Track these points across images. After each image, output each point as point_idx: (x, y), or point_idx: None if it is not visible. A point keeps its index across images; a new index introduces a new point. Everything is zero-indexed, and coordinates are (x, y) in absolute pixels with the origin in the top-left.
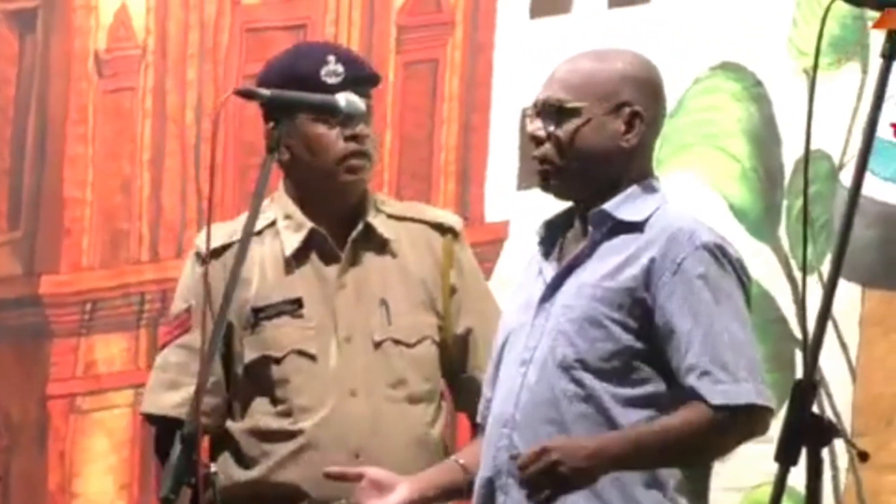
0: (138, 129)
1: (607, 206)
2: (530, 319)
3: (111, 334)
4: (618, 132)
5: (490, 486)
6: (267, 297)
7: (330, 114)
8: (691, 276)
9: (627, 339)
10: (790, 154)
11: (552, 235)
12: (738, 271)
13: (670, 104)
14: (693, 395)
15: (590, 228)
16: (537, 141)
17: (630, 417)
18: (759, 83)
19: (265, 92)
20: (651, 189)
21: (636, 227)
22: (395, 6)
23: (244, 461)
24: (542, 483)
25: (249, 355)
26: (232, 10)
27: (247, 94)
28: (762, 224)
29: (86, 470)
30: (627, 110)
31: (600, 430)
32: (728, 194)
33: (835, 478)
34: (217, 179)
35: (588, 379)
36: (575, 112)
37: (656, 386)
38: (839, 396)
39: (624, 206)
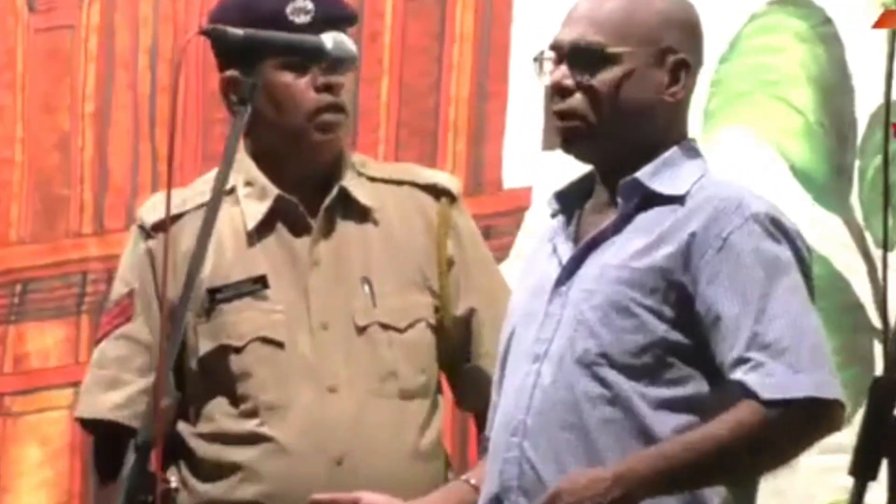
0: (80, 77)
1: (640, 174)
2: (543, 307)
3: (46, 322)
4: (661, 84)
5: (496, 495)
6: (225, 276)
7: (316, 58)
8: (740, 251)
9: (662, 329)
10: (865, 107)
11: (568, 208)
12: (797, 244)
13: (722, 45)
14: (743, 393)
15: (619, 200)
16: (564, 92)
17: (666, 423)
18: (828, 20)
19: (238, 32)
20: (693, 153)
21: (675, 200)
22: None
23: (203, 473)
24: None
25: (205, 346)
26: None
27: (215, 35)
28: (831, 190)
29: (16, 484)
30: (672, 58)
31: (629, 438)
32: (790, 153)
33: None
34: (177, 137)
35: (614, 377)
36: (615, 59)
37: (697, 386)
38: None
39: (661, 174)
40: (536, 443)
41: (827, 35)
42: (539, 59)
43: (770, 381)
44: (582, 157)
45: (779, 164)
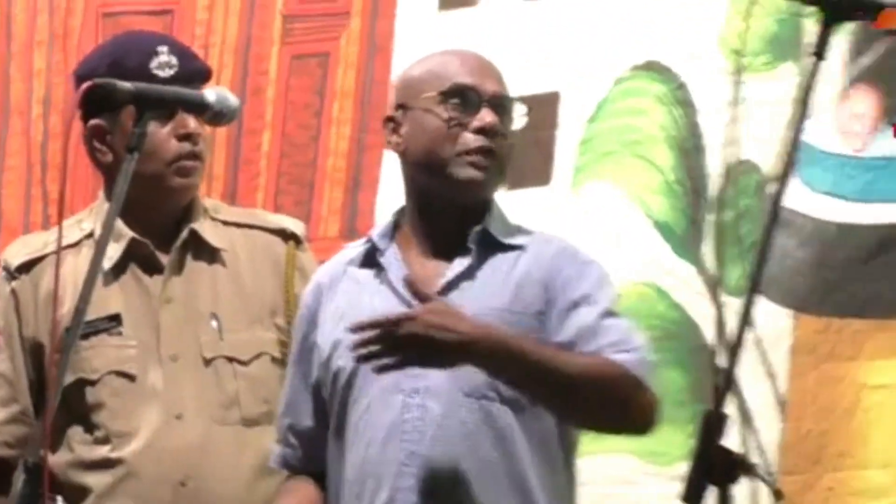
0: None
1: (488, 225)
2: None
3: None
4: None
5: None
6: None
7: (200, 111)
8: (584, 294)
9: None
10: (715, 164)
11: (387, 248)
12: (610, 282)
13: (591, 107)
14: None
15: (472, 247)
16: (493, 133)
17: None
18: (683, 85)
19: (128, 85)
20: (500, 210)
21: (517, 248)
22: None
23: (67, 496)
24: (410, 339)
25: (65, 380)
26: None
27: (105, 88)
28: (687, 242)
29: None
30: None
31: (510, 459)
32: (651, 208)
33: None
34: (67, 181)
35: (499, 411)
36: (511, 111)
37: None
38: (765, 432)
39: (499, 225)
40: (435, 472)
41: (682, 99)
42: (445, 99)
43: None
44: (483, 195)
45: (641, 217)
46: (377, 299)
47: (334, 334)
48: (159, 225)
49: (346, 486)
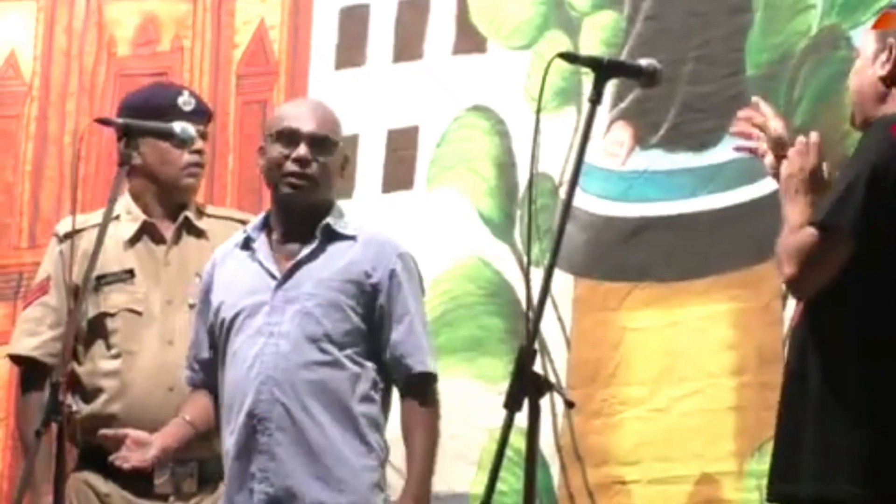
0: (21, 148)
1: (330, 221)
2: (268, 302)
3: None
4: (339, 167)
5: (251, 427)
6: (108, 268)
7: (168, 138)
8: (397, 280)
9: (357, 320)
10: (524, 175)
11: (257, 237)
12: (419, 272)
13: (436, 137)
14: (397, 365)
15: (318, 235)
16: (305, 162)
17: (353, 370)
18: (502, 121)
19: (119, 120)
20: (341, 212)
21: (349, 238)
22: (234, 59)
23: (85, 397)
24: None
25: (91, 312)
26: (108, 61)
27: (105, 122)
28: (503, 229)
29: None
30: (341, 152)
31: (336, 382)
32: (479, 206)
33: (554, 422)
34: (88, 187)
35: (331, 348)
36: (334, 146)
37: (371, 360)
38: (558, 360)
39: (338, 221)
40: (284, 390)
41: (502, 131)
42: (277, 138)
43: (417, 360)
44: (301, 203)
45: (472, 212)
46: (249, 272)
47: (220, 296)
48: (165, 212)
49: (226, 399)
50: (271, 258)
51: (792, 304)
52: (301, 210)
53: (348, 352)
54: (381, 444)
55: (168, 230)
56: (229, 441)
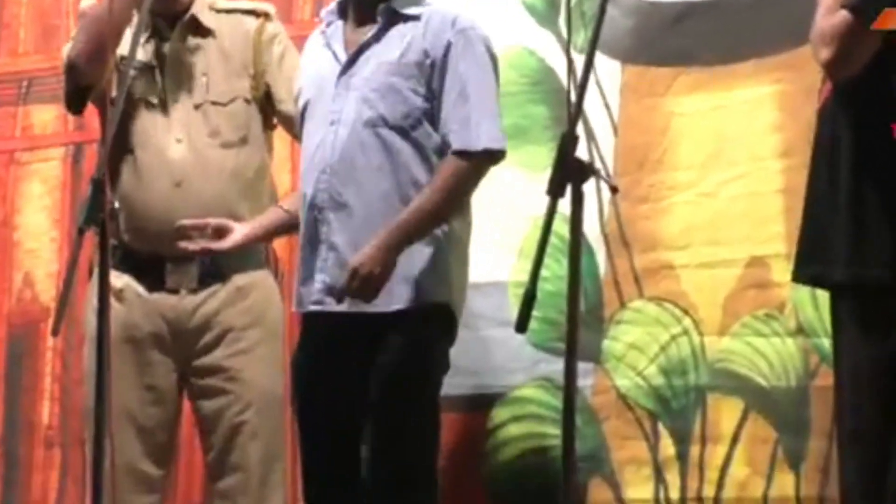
0: None
1: (394, 3)
2: (332, 88)
3: (45, 105)
4: None
5: (313, 218)
6: (131, 58)
7: None
8: (456, 55)
9: (419, 101)
10: None
11: (333, 20)
12: (490, 47)
13: None
14: (444, 142)
15: (378, 18)
16: None
17: (415, 159)
18: None
19: None
20: None
21: (414, 18)
22: None
23: (112, 183)
24: (366, 290)
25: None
26: None
27: None
28: (548, 16)
29: (25, 207)
30: None
31: (395, 167)
32: None
33: (600, 209)
34: None
35: (388, 134)
36: None
37: (434, 138)
38: (605, 146)
39: (402, 2)
40: (340, 178)
41: None
42: None
43: (461, 136)
44: None
45: (514, 0)
46: (322, 58)
47: (300, 82)
48: (171, 12)
49: (300, 188)
50: (342, 43)
51: None
52: None
53: (412, 136)
54: (443, 230)
55: (172, 29)
56: (300, 232)
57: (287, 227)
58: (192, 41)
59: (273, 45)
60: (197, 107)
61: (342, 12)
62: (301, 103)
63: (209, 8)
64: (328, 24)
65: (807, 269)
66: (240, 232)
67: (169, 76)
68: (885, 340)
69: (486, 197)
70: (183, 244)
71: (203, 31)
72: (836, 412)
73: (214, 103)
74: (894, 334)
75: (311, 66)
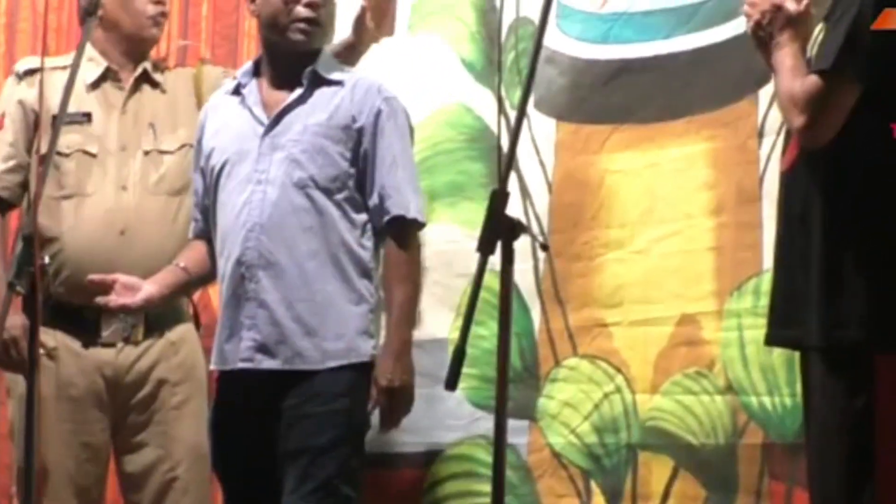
0: None
1: (317, 67)
2: (255, 148)
3: None
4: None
5: (240, 275)
6: (62, 112)
7: None
8: (381, 123)
9: (345, 165)
10: (505, 20)
11: (248, 81)
12: (408, 116)
13: None
14: (377, 208)
15: (304, 81)
16: (316, 6)
17: (343, 219)
18: None
19: None
20: (330, 57)
21: (337, 83)
22: None
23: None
24: (407, 403)
25: (45, 150)
26: None
27: None
28: (485, 74)
29: None
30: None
31: (324, 228)
32: (461, 51)
33: (535, 267)
34: (62, 37)
35: (317, 195)
36: None
37: (358, 198)
38: (539, 204)
39: (325, 66)
40: (270, 236)
41: None
42: None
43: (395, 202)
44: (311, 48)
45: (453, 58)
46: (238, 118)
47: (211, 143)
48: (127, 61)
49: (218, 247)
50: (260, 104)
51: (768, 142)
52: (297, 56)
53: (336, 197)
54: (370, 290)
55: (128, 79)
56: (221, 289)
57: (186, 286)
58: (145, 90)
59: (214, 89)
60: (146, 153)
61: (255, 73)
62: (216, 162)
63: (155, 66)
64: (244, 86)
65: (782, 333)
66: (146, 291)
67: (120, 123)
68: (853, 399)
69: (426, 254)
70: (101, 299)
71: (152, 83)
72: (808, 473)
73: (162, 151)
74: (864, 393)
75: (226, 127)
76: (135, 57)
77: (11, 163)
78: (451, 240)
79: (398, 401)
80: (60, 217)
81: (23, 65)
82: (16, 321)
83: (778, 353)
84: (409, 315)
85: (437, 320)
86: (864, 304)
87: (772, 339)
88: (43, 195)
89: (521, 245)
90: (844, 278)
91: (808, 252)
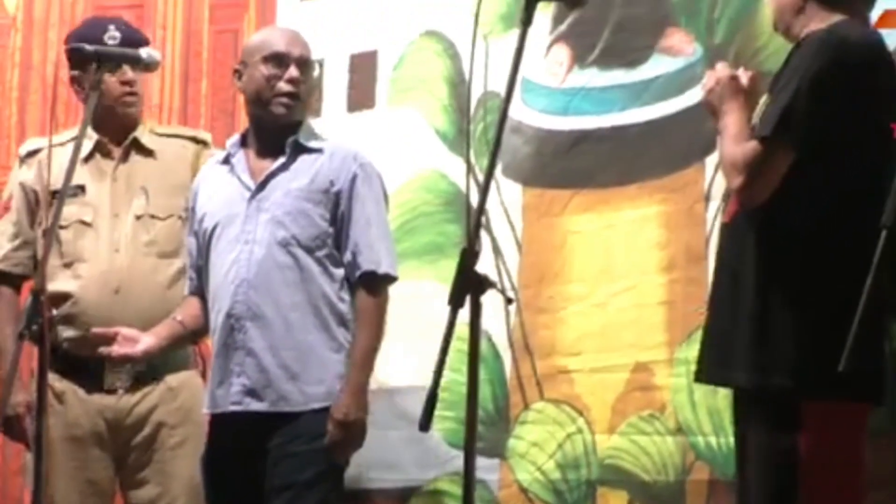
0: (7, 76)
1: (299, 137)
2: (243, 211)
3: None
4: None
5: (230, 326)
6: (66, 184)
7: (135, 63)
8: (357, 187)
9: (325, 225)
10: (475, 94)
11: (236, 151)
12: (382, 181)
13: (394, 60)
14: (351, 263)
15: (287, 150)
16: (297, 82)
17: (324, 275)
18: (452, 45)
19: (90, 48)
20: (311, 128)
21: (317, 151)
22: None
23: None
24: (357, 435)
25: (46, 224)
26: None
27: (77, 50)
28: (457, 143)
29: None
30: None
31: (306, 282)
32: (435, 122)
33: (507, 319)
34: (71, 108)
35: (300, 253)
36: (313, 69)
37: (337, 256)
38: (510, 262)
39: (306, 136)
40: (257, 290)
41: (453, 53)
42: (266, 61)
43: (368, 258)
44: (293, 120)
45: (428, 128)
46: (228, 185)
47: (203, 207)
48: (116, 132)
49: (210, 302)
50: (247, 172)
51: (714, 205)
52: (279, 127)
53: (317, 254)
54: (348, 339)
55: (117, 149)
56: (213, 340)
57: (182, 338)
58: (135, 158)
59: None
60: (138, 218)
61: (242, 144)
62: (208, 225)
63: (150, 131)
64: (233, 156)
65: (712, 372)
66: (145, 342)
67: (112, 191)
68: (779, 439)
69: (409, 308)
70: (103, 350)
71: (145, 151)
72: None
73: (153, 217)
74: (789, 435)
75: (217, 193)
76: (123, 128)
77: (18, 240)
78: (431, 294)
79: (351, 434)
80: (64, 283)
81: (24, 147)
82: (19, 399)
83: (723, 395)
84: (369, 358)
85: (417, 368)
86: (793, 351)
87: (703, 377)
88: (51, 265)
89: (494, 299)
90: (773, 325)
91: (740, 298)
